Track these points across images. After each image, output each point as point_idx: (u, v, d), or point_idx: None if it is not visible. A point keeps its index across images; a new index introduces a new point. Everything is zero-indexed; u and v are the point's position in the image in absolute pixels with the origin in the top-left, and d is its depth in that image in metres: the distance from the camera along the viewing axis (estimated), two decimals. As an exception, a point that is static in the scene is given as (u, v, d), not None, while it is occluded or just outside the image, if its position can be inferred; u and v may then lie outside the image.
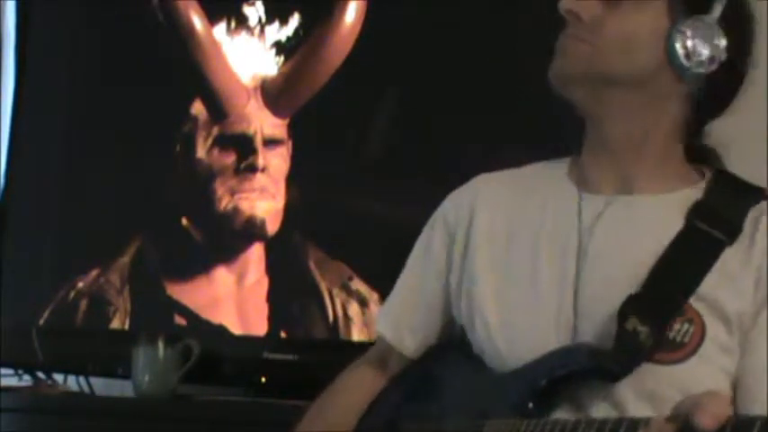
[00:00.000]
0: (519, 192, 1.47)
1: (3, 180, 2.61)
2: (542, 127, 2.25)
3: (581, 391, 1.30)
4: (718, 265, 1.28)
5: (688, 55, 1.32)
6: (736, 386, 1.28)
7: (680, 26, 1.32)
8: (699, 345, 1.27)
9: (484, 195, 1.50)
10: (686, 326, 1.27)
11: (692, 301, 1.28)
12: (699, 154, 1.41)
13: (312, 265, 2.36)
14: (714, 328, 1.27)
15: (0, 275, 2.51)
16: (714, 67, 1.32)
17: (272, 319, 2.39)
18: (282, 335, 2.38)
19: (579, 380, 1.29)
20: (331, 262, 2.35)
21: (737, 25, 1.35)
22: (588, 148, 1.41)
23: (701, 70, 1.32)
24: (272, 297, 2.40)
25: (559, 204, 1.40)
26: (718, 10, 1.32)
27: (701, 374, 1.26)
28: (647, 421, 1.15)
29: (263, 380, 2.32)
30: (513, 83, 2.28)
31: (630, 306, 1.28)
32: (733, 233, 1.30)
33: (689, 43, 1.32)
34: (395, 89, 2.37)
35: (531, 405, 1.29)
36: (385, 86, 2.37)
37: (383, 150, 2.37)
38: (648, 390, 1.26)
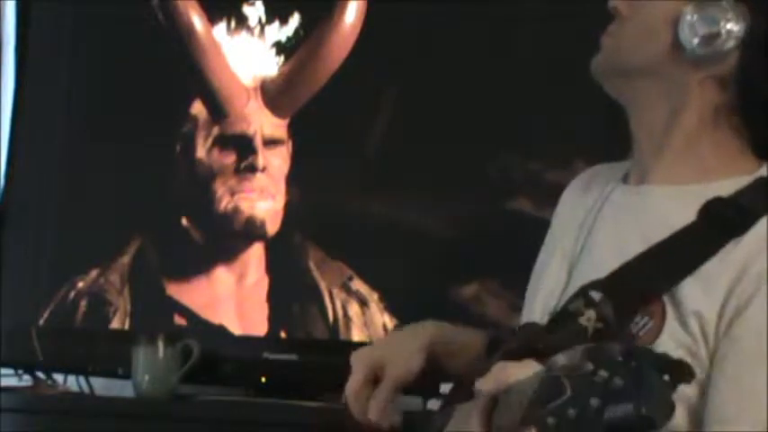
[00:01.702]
0: (587, 184, 1.46)
1: (3, 180, 2.61)
2: (542, 127, 2.26)
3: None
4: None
5: (694, 37, 1.27)
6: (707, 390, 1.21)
7: (686, 9, 1.28)
8: (653, 341, 1.22)
9: (568, 188, 1.50)
10: (645, 319, 1.23)
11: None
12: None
13: (312, 265, 2.36)
14: (673, 324, 1.22)
15: (0, 275, 2.51)
16: (728, 47, 1.27)
17: (272, 319, 2.39)
18: (282, 335, 2.38)
19: (521, 358, 1.28)
20: (331, 262, 2.35)
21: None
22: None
23: (711, 51, 1.27)
24: (272, 297, 2.40)
25: (596, 195, 1.39)
26: None
27: None
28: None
29: (263, 380, 2.32)
30: (514, 83, 2.29)
31: (586, 289, 1.25)
32: (736, 234, 1.24)
33: (694, 25, 1.27)
34: (395, 89, 2.37)
35: None
36: (385, 86, 2.37)
37: (383, 150, 2.37)
38: None
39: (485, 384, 1.08)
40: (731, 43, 1.27)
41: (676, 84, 1.31)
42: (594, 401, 0.89)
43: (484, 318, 2.18)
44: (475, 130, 2.28)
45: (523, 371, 1.05)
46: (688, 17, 1.28)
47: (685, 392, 1.20)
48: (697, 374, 1.17)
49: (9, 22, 2.72)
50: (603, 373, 0.91)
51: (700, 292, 1.23)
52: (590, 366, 0.92)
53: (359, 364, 1.43)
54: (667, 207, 1.30)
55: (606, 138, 2.21)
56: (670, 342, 1.22)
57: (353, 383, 1.42)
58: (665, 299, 1.24)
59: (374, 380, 1.42)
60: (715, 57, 1.28)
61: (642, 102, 1.34)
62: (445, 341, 1.47)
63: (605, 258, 1.30)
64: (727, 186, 1.28)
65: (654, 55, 1.31)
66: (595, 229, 1.35)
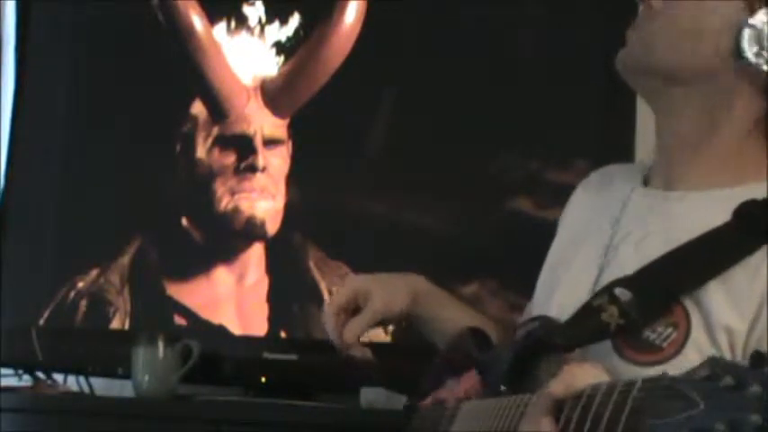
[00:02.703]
0: (601, 184, 1.44)
1: (3, 180, 2.61)
2: (542, 127, 2.26)
3: (557, 368, 1.27)
4: (725, 275, 1.19)
5: (757, 46, 1.22)
6: None
7: (754, 17, 1.23)
8: (676, 353, 1.19)
9: (581, 187, 1.48)
10: (669, 330, 1.20)
11: (687, 300, 1.20)
12: None
13: (312, 265, 2.36)
14: (699, 337, 1.19)
15: (0, 275, 2.51)
16: None
17: (272, 319, 2.39)
18: (282, 335, 2.38)
19: (539, 355, 1.26)
20: (331, 262, 2.35)
21: None
22: (656, 143, 1.34)
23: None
24: (272, 297, 2.40)
25: (615, 196, 1.36)
26: None
27: None
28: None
29: (263, 380, 2.32)
30: (514, 83, 2.29)
31: (612, 286, 1.22)
32: (762, 240, 1.19)
33: (760, 34, 1.22)
34: (395, 89, 2.37)
35: (503, 388, 1.29)
36: (385, 86, 2.37)
37: (383, 150, 2.37)
38: None
39: (556, 388, 1.06)
40: None
41: (721, 91, 1.26)
42: (755, 417, 0.81)
43: (484, 318, 2.18)
44: (475, 130, 2.28)
45: (593, 375, 1.05)
46: (758, 25, 1.22)
47: None
48: None
49: (9, 22, 2.72)
50: (729, 381, 0.83)
51: (730, 304, 1.19)
52: (712, 373, 0.84)
53: (344, 288, 1.45)
54: (702, 213, 1.25)
55: (606, 138, 2.22)
56: (695, 354, 1.18)
57: (334, 303, 1.44)
58: (691, 307, 1.20)
59: (354, 308, 1.44)
60: None
61: (678, 107, 1.28)
62: (431, 300, 1.47)
63: (629, 261, 1.27)
64: (760, 190, 1.23)
65: (703, 58, 1.25)
66: (621, 229, 1.32)
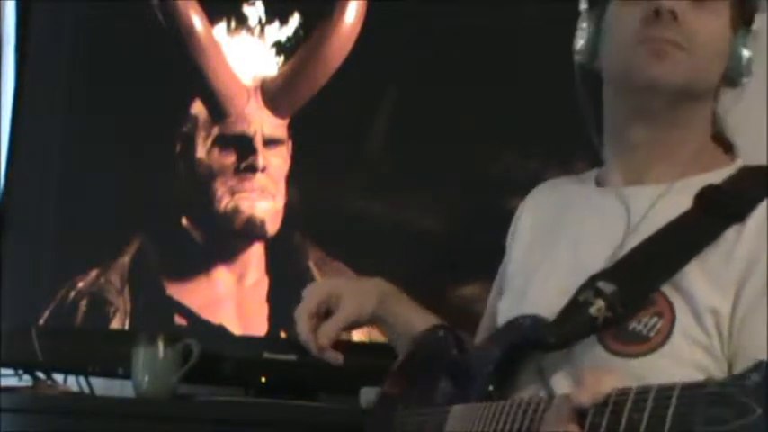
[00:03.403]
0: (553, 192, 1.51)
1: (3, 180, 2.61)
2: (542, 128, 2.26)
3: (542, 363, 1.29)
4: (700, 257, 1.24)
5: (746, 70, 1.35)
6: None
7: (747, 37, 1.34)
8: (664, 341, 1.22)
9: (533, 195, 1.54)
10: (654, 320, 1.23)
11: (668, 288, 1.24)
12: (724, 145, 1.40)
13: (312, 265, 2.36)
14: (686, 322, 1.22)
15: (0, 275, 2.51)
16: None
17: (272, 319, 2.39)
18: (282, 335, 2.38)
19: (525, 352, 1.28)
20: (331, 262, 2.35)
21: None
22: (618, 152, 1.40)
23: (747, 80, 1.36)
24: (272, 297, 2.40)
25: (576, 198, 1.42)
26: (757, 22, 1.34)
27: (664, 370, 1.20)
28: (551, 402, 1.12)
29: (263, 380, 2.32)
30: (514, 83, 2.28)
31: (594, 280, 1.25)
32: (735, 216, 1.25)
33: (749, 62, 1.34)
34: (395, 89, 2.37)
35: (491, 388, 1.29)
36: (385, 86, 2.37)
37: (383, 150, 2.37)
38: None
39: (583, 396, 1.05)
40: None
41: (709, 108, 1.37)
42: None
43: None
44: (475, 130, 2.28)
45: (617, 380, 1.04)
46: (745, 54, 1.34)
47: None
48: (715, 373, 1.18)
49: (9, 22, 2.72)
50: None
51: (711, 286, 1.23)
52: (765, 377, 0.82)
53: (316, 292, 1.47)
54: (663, 202, 1.31)
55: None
56: (683, 341, 1.22)
57: (306, 307, 1.46)
58: (673, 295, 1.24)
59: (325, 312, 1.46)
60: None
61: (678, 121, 1.35)
62: (396, 303, 1.50)
63: (597, 257, 1.31)
64: (712, 177, 1.31)
65: (716, 80, 1.35)
66: (580, 228, 1.37)
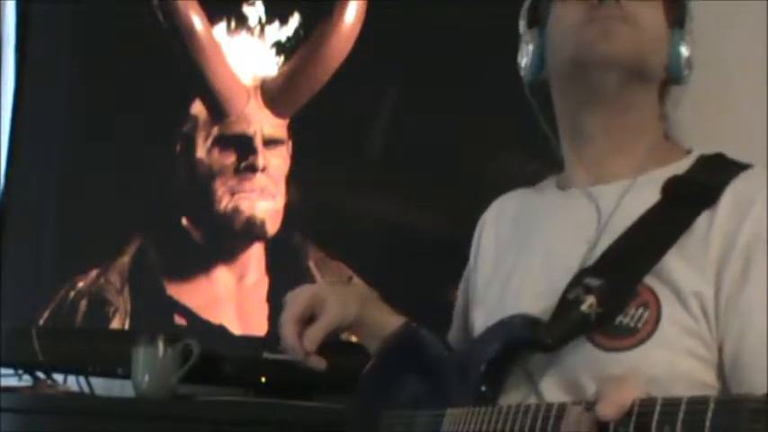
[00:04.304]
0: (523, 201, 1.54)
1: (3, 180, 2.61)
2: (542, 128, 2.26)
3: (530, 365, 1.29)
4: (677, 245, 1.26)
5: (685, 64, 1.39)
6: (731, 369, 1.22)
7: (683, 35, 1.39)
8: (653, 331, 1.23)
9: (492, 209, 1.60)
10: (640, 311, 1.24)
11: (650, 279, 1.25)
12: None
13: (312, 265, 2.36)
14: (672, 309, 1.24)
15: (0, 275, 2.51)
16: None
17: (272, 319, 2.39)
18: (282, 335, 2.38)
19: (520, 352, 1.28)
20: (331, 262, 2.35)
21: None
22: (575, 148, 1.44)
23: (688, 74, 1.40)
24: (272, 297, 2.40)
25: (540, 205, 1.46)
26: (691, 20, 1.40)
27: (657, 359, 1.22)
28: (563, 409, 1.12)
29: (263, 380, 2.32)
30: (514, 83, 2.28)
31: (581, 277, 1.27)
32: (705, 203, 1.28)
33: (688, 58, 1.39)
34: (395, 89, 2.37)
35: (483, 388, 1.29)
36: (385, 86, 2.37)
37: (383, 150, 2.37)
38: (601, 375, 1.22)
39: (607, 410, 1.04)
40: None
41: (657, 97, 1.41)
42: None
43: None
44: (475, 130, 2.28)
45: (638, 391, 1.04)
46: (683, 50, 1.40)
47: (704, 379, 1.21)
48: (706, 356, 1.21)
49: (9, 22, 2.72)
50: None
51: (692, 271, 1.25)
52: None
53: (299, 298, 1.48)
54: (630, 197, 1.34)
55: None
56: (672, 328, 1.23)
57: (291, 313, 1.47)
58: (656, 285, 1.25)
59: (309, 318, 1.46)
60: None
61: (638, 101, 1.39)
62: (374, 307, 1.52)
63: (572, 257, 1.33)
64: (673, 169, 1.35)
65: (660, 66, 1.39)
66: (551, 232, 1.40)
